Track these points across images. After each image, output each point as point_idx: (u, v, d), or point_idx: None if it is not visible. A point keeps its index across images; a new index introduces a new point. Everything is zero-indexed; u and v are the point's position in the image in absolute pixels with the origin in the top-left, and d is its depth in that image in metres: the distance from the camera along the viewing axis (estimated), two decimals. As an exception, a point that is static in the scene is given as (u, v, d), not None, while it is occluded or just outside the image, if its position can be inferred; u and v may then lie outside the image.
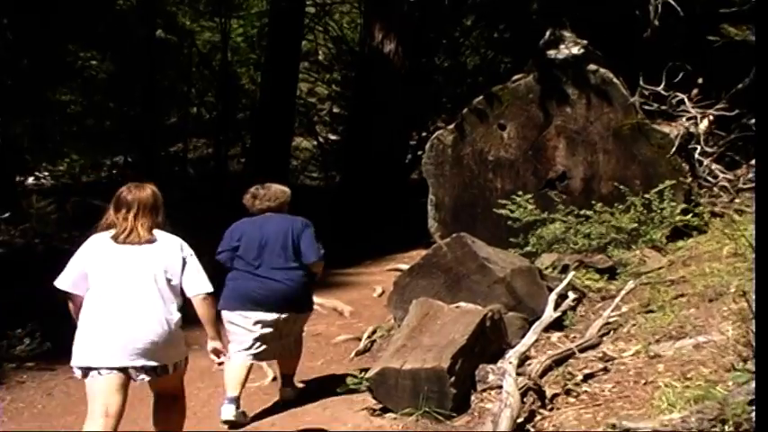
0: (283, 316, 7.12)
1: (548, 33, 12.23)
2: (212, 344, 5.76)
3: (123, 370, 5.31)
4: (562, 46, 11.95)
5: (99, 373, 5.30)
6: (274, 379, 7.98)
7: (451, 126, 12.60)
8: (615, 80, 11.63)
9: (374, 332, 9.14)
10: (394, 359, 6.39)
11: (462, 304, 7.53)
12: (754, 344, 4.95)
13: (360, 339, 9.10)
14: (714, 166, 11.91)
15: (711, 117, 12.01)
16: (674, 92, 11.69)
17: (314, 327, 10.32)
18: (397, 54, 17.27)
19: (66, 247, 11.93)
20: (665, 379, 5.52)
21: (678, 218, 10.47)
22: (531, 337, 6.89)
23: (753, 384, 4.19)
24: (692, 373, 5.54)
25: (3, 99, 14.63)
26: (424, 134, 19.64)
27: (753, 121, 11.01)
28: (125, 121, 21.09)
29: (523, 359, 6.55)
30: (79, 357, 5.35)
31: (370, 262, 13.62)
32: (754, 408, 4.03)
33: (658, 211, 10.52)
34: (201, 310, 5.62)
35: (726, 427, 4.10)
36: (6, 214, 12.43)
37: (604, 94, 11.62)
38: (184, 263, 5.59)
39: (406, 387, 6.18)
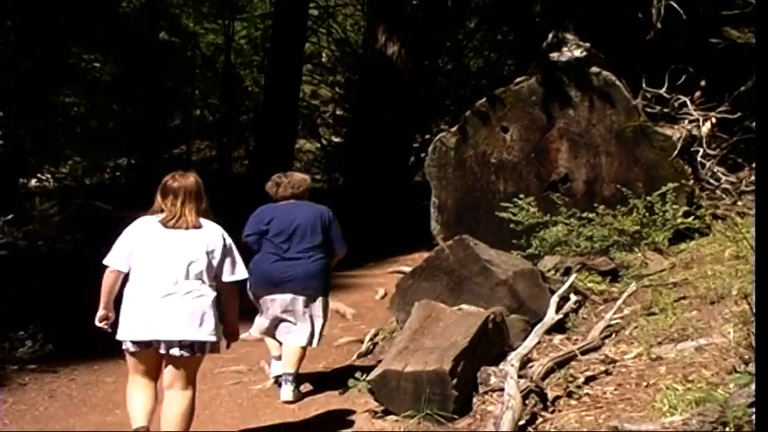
0: (303, 298, 7.59)
1: (550, 36, 12.25)
2: (229, 328, 6.21)
3: (167, 344, 5.76)
4: (565, 48, 11.96)
5: (142, 345, 5.78)
6: (276, 382, 7.98)
7: (454, 128, 12.62)
8: (618, 83, 11.63)
9: (376, 334, 9.15)
10: (396, 361, 6.39)
11: (464, 306, 7.54)
12: (754, 346, 4.96)
13: (362, 341, 9.11)
14: (717, 169, 11.92)
15: (714, 120, 12.01)
16: (676, 94, 11.69)
17: (316, 329, 10.35)
18: (400, 56, 17.29)
19: (69, 248, 12.00)
20: (667, 381, 5.52)
21: (680, 220, 10.47)
22: (532, 339, 6.90)
23: (753, 386, 4.19)
24: (693, 375, 5.54)
25: (6, 101, 14.65)
26: (427, 136, 19.67)
27: (755, 123, 11.02)
28: (128, 123, 21.13)
29: (525, 361, 6.55)
30: (126, 332, 5.79)
31: (372, 264, 13.63)
32: (754, 410, 4.03)
33: (661, 213, 10.52)
34: (229, 295, 6.10)
35: (727, 430, 4.11)
36: (9, 216, 12.40)
37: (607, 96, 11.62)
38: (225, 250, 6.00)
39: (408, 389, 6.18)
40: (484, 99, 12.39)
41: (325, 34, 24.48)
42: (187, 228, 5.91)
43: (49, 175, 19.07)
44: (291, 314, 7.63)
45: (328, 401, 7.26)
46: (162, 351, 5.78)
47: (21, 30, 14.92)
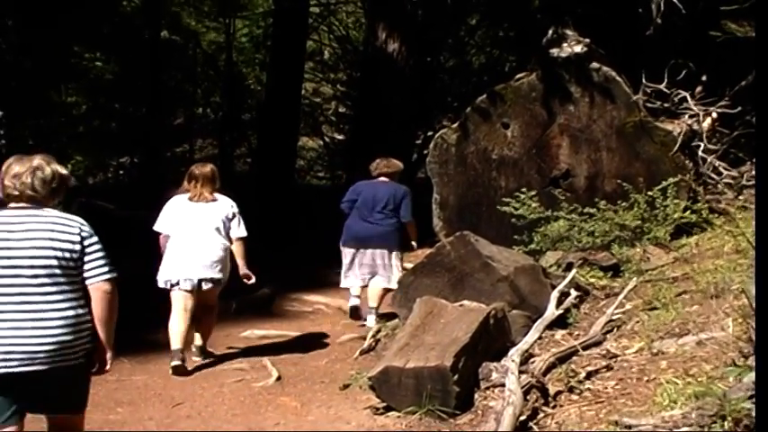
0: (381, 251, 10.01)
1: (550, 32, 12.24)
2: (243, 271, 8.71)
3: (199, 281, 8.37)
4: (565, 44, 11.95)
5: (180, 284, 8.36)
6: (278, 379, 8.01)
7: (455, 125, 12.62)
8: (618, 78, 11.63)
9: (378, 331, 9.16)
10: (397, 358, 6.40)
11: (466, 302, 7.54)
12: (754, 340, 4.97)
13: (364, 338, 9.11)
14: (718, 164, 11.91)
15: (715, 114, 12.00)
16: (676, 89, 11.68)
17: (318, 326, 10.38)
18: (401, 53, 17.29)
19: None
20: (668, 376, 5.53)
21: (681, 215, 10.47)
22: (533, 334, 6.90)
23: (752, 378, 4.20)
24: (694, 369, 5.55)
25: (8, 100, 14.66)
26: (429, 133, 19.65)
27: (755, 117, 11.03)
28: (130, 121, 21.13)
29: (527, 357, 6.56)
30: (166, 276, 8.42)
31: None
32: (752, 403, 4.04)
33: (662, 208, 10.53)
34: (238, 248, 8.66)
35: (725, 423, 4.12)
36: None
37: (607, 92, 11.62)
38: (233, 215, 8.64)
39: (410, 385, 6.19)
40: (484, 95, 12.40)
41: (327, 32, 24.49)
42: (206, 201, 8.57)
43: (50, 174, 19.10)
44: (374, 264, 10.08)
45: (330, 398, 7.27)
46: (195, 286, 8.37)
47: (22, 29, 14.93)
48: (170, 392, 7.79)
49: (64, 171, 4.87)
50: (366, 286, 10.24)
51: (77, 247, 4.56)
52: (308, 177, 25.12)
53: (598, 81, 11.66)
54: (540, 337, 7.10)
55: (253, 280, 8.77)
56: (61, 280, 4.53)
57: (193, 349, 8.75)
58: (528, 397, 5.68)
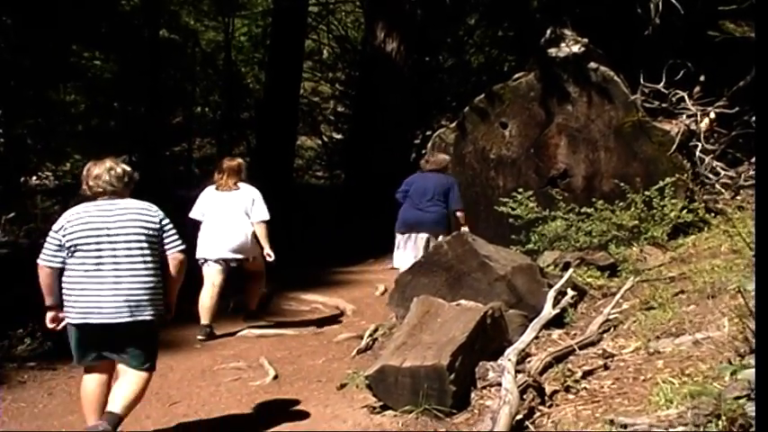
0: (428, 235, 10.47)
1: (549, 32, 12.26)
2: (267, 251, 9.86)
3: (225, 260, 9.81)
4: (563, 44, 11.97)
5: (210, 262, 9.81)
6: (275, 378, 8.01)
7: (453, 124, 12.66)
8: (616, 78, 11.66)
9: (376, 330, 9.14)
10: (394, 357, 6.40)
11: (463, 302, 7.54)
12: (753, 339, 4.98)
13: (361, 337, 9.10)
14: (715, 164, 11.93)
15: (712, 114, 12.02)
16: (674, 89, 11.70)
17: (315, 325, 10.37)
18: (399, 53, 17.31)
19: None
20: (664, 375, 5.52)
21: (678, 215, 10.48)
22: (529, 334, 6.89)
23: (747, 377, 4.20)
24: (690, 369, 5.55)
25: (6, 99, 14.66)
26: (428, 133, 19.64)
27: (753, 118, 11.03)
28: (129, 120, 21.10)
29: (524, 356, 6.56)
30: (199, 254, 9.70)
31: (372, 260, 13.67)
32: (748, 403, 4.05)
33: (659, 208, 10.54)
34: (260, 230, 9.89)
35: (721, 422, 4.12)
36: (11, 214, 12.44)
37: (605, 92, 11.65)
38: (254, 201, 9.91)
39: (406, 384, 6.19)
40: (482, 95, 12.43)
41: (326, 31, 24.50)
42: (230, 190, 9.95)
43: (50, 174, 19.08)
44: (423, 247, 10.42)
45: (327, 397, 7.27)
46: (222, 264, 9.80)
47: (21, 28, 14.93)
48: (167, 391, 7.80)
49: (129, 168, 6.33)
50: None
51: (157, 226, 6.09)
52: (307, 176, 25.11)
53: (596, 81, 11.68)
54: (536, 337, 7.11)
55: (272, 258, 9.89)
56: (146, 252, 6.01)
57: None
58: (524, 396, 5.68)
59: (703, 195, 11.54)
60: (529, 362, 6.39)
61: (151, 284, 6.00)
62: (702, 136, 11.79)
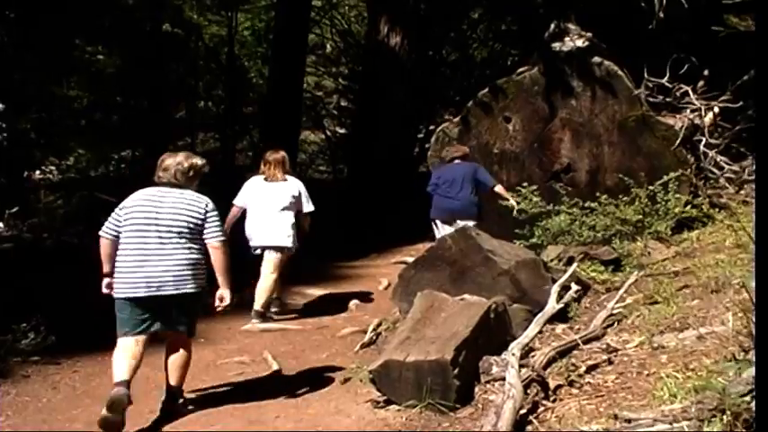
0: (461, 222, 10.52)
1: (552, 26, 12.25)
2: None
3: (270, 248, 10.26)
4: (567, 38, 11.98)
5: (258, 250, 10.33)
6: (278, 371, 8.02)
7: (457, 119, 12.65)
8: (620, 72, 11.65)
9: (379, 325, 9.14)
10: (398, 351, 6.40)
11: (467, 296, 7.54)
12: (754, 334, 4.97)
13: (365, 332, 9.10)
14: (719, 158, 11.90)
15: (716, 109, 11.99)
16: (678, 84, 11.67)
17: (319, 319, 10.37)
18: (402, 47, 17.29)
19: (74, 241, 12.01)
20: (668, 370, 5.52)
21: (682, 209, 10.47)
22: (533, 328, 6.90)
23: (752, 373, 4.20)
24: (694, 363, 5.55)
25: (10, 94, 14.65)
26: (431, 127, 19.65)
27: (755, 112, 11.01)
28: (132, 115, 21.05)
29: (528, 351, 6.56)
30: (251, 244, 10.29)
31: (376, 255, 13.66)
32: (751, 398, 4.05)
33: (663, 202, 10.54)
34: (304, 220, 10.51)
35: (725, 417, 4.12)
36: (15, 209, 12.45)
37: (609, 86, 11.65)
38: (299, 193, 10.45)
39: (410, 379, 6.20)
40: (486, 89, 12.43)
41: (329, 25, 24.43)
42: (276, 181, 10.40)
43: (53, 168, 19.05)
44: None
45: (331, 391, 7.28)
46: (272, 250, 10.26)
47: (24, 22, 14.91)
48: (172, 386, 7.79)
49: (199, 162, 7.16)
50: None
51: (202, 216, 6.86)
52: (310, 171, 25.08)
53: (600, 75, 11.68)
54: (540, 331, 7.11)
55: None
56: (188, 236, 6.80)
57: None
58: (528, 391, 5.68)
59: (707, 190, 11.54)
60: (533, 356, 6.40)
61: (192, 262, 6.79)
62: (706, 130, 11.79)
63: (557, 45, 12.03)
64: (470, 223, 10.35)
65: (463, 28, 21.97)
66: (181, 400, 7.06)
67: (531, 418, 5.40)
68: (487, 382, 6.32)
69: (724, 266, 7.98)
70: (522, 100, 12.09)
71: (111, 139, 20.22)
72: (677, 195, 10.61)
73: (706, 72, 12.39)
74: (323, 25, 24.43)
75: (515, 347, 6.25)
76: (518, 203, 11.23)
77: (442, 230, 10.93)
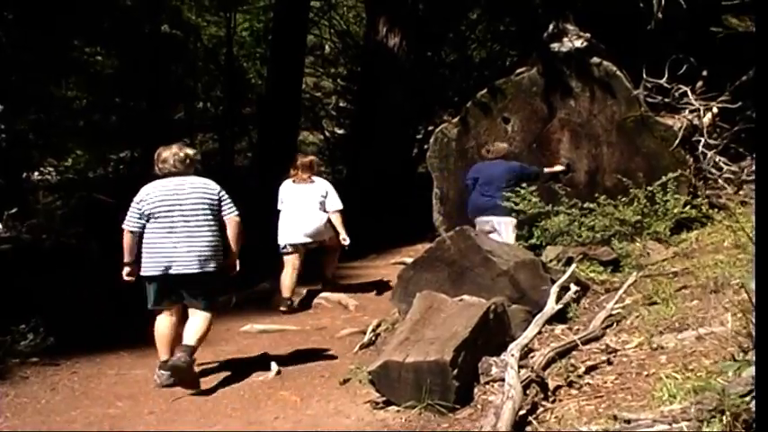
0: (496, 218, 10.92)
1: (551, 26, 12.25)
2: (342, 235, 11.22)
3: (303, 245, 11.12)
4: (565, 39, 11.97)
5: (289, 247, 11.12)
6: (278, 373, 8.02)
7: (455, 119, 12.66)
8: (618, 73, 11.65)
9: (378, 325, 9.14)
10: (397, 352, 6.40)
11: (466, 297, 7.52)
12: (754, 335, 4.97)
13: (364, 333, 9.10)
14: (718, 158, 11.91)
15: (715, 109, 11.99)
16: (677, 84, 11.66)
17: (318, 320, 10.38)
18: (401, 48, 17.29)
19: (73, 242, 12.00)
20: (667, 370, 5.52)
21: (681, 210, 10.47)
22: (532, 329, 6.89)
23: (751, 373, 4.20)
24: (693, 364, 5.55)
25: (8, 94, 14.63)
26: (430, 128, 19.62)
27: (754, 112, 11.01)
28: (131, 116, 21.03)
29: (527, 352, 6.56)
30: (280, 241, 11.15)
31: (375, 255, 13.66)
32: (751, 398, 4.05)
33: (662, 203, 10.53)
34: (335, 218, 11.25)
35: (724, 418, 4.12)
36: (13, 210, 12.42)
37: (608, 86, 11.65)
38: (327, 193, 11.31)
39: (409, 380, 6.19)
40: (485, 90, 12.43)
41: (327, 26, 24.44)
42: (305, 183, 11.29)
43: (52, 169, 19.02)
44: (492, 230, 10.81)
45: (330, 392, 7.28)
46: (300, 249, 11.09)
47: (22, 23, 14.89)
48: (170, 387, 7.79)
49: (191, 152, 8.05)
50: None
51: (217, 197, 7.77)
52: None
53: (599, 76, 11.68)
54: (539, 332, 7.10)
55: (347, 242, 11.31)
56: (208, 217, 7.70)
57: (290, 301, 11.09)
58: (527, 391, 5.67)
59: (706, 190, 11.54)
60: (532, 357, 6.39)
61: (214, 243, 7.71)
62: (705, 131, 11.78)
63: (555, 45, 12.03)
64: (507, 220, 10.91)
65: (462, 29, 21.98)
66: (194, 357, 7.67)
67: (530, 418, 5.39)
68: (487, 382, 6.31)
69: (723, 267, 7.98)
70: (521, 100, 12.09)
71: (109, 140, 20.19)
72: (676, 196, 10.60)
73: (705, 72, 12.41)
74: (321, 26, 24.44)
75: (514, 348, 6.24)
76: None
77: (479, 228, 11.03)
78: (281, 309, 10.96)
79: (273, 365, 8.21)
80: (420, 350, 6.31)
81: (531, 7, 16.30)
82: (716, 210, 10.76)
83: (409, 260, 10.50)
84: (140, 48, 19.84)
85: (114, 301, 10.26)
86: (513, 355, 6.01)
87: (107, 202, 14.14)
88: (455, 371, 6.07)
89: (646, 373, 5.79)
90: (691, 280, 8.05)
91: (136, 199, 7.67)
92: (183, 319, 7.86)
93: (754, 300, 5.10)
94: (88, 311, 10.32)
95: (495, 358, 6.47)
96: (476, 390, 6.27)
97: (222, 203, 7.81)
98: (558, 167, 11.86)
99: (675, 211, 10.47)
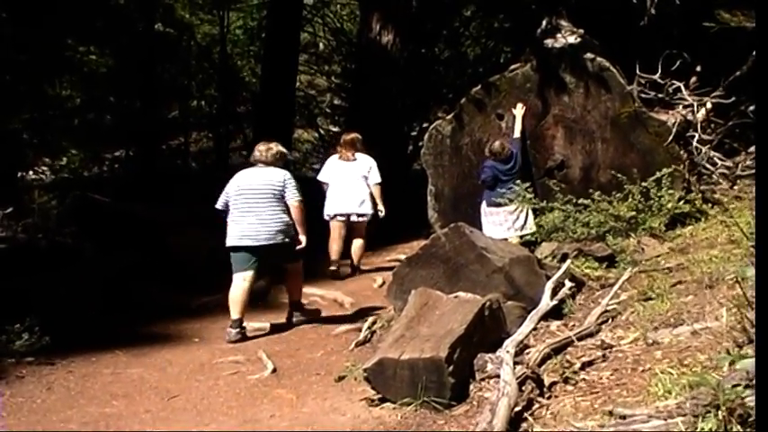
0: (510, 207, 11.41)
1: (545, 22, 12.26)
2: (380, 207, 12.65)
3: (347, 215, 12.51)
4: (559, 35, 11.98)
5: (335, 218, 12.55)
6: (274, 371, 8.02)
7: (450, 116, 12.66)
8: (612, 69, 11.65)
9: (374, 323, 9.14)
10: (392, 349, 6.40)
11: (461, 294, 7.53)
12: (751, 330, 4.99)
13: (360, 330, 9.10)
14: (712, 154, 11.91)
15: (709, 105, 11.99)
16: (671, 80, 11.66)
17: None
18: (395, 45, 17.25)
19: (68, 241, 11.99)
20: (663, 366, 5.51)
21: (676, 205, 10.48)
22: (527, 325, 6.89)
23: (745, 367, 4.20)
24: (688, 359, 5.54)
25: (2, 94, 14.61)
26: (425, 125, 19.60)
27: (751, 108, 11.04)
28: (125, 114, 21.01)
29: (522, 348, 6.55)
30: (327, 211, 12.46)
31: (370, 253, 13.63)
32: (747, 393, 4.04)
33: (656, 199, 10.53)
34: (375, 191, 12.57)
35: (719, 413, 4.11)
36: (9, 209, 12.39)
37: (602, 82, 11.65)
38: (369, 169, 12.56)
39: (405, 377, 6.19)
40: (479, 86, 12.44)
41: (321, 24, 24.39)
42: (348, 160, 12.64)
43: (46, 168, 19.00)
44: (510, 218, 11.49)
45: (326, 390, 7.28)
46: (345, 219, 12.54)
47: (16, 22, 14.86)
48: (165, 385, 7.81)
49: (283, 150, 10.13)
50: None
51: (282, 184, 9.60)
52: (304, 169, 25.04)
53: (592, 71, 11.69)
54: (534, 328, 7.10)
55: (383, 213, 12.68)
56: (274, 200, 9.56)
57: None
58: (523, 388, 5.67)
59: (701, 186, 11.54)
60: (527, 353, 6.38)
61: (280, 220, 9.55)
62: (699, 126, 11.77)
63: (549, 42, 12.03)
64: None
65: (456, 25, 21.92)
66: (298, 313, 10.09)
67: (526, 415, 5.39)
68: (482, 379, 6.30)
69: (718, 262, 7.97)
70: (515, 97, 12.09)
71: (103, 138, 20.19)
72: (670, 191, 10.60)
73: (698, 68, 12.41)
74: (315, 24, 24.39)
75: (510, 345, 6.25)
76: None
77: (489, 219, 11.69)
78: (330, 269, 12.51)
79: (269, 363, 8.21)
80: (415, 347, 6.31)
81: (525, 3, 16.28)
82: (710, 205, 10.78)
83: (404, 257, 10.50)
84: (134, 46, 19.83)
85: (109, 300, 10.27)
86: (508, 352, 6.02)
87: (102, 201, 14.13)
88: (450, 368, 6.06)
89: (641, 368, 5.78)
90: (685, 275, 8.05)
91: (229, 183, 9.76)
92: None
93: (750, 294, 5.13)
94: (83, 310, 10.31)
95: (490, 355, 6.46)
96: (471, 386, 6.26)
97: (286, 189, 9.60)
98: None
99: (670, 206, 10.47)
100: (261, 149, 9.88)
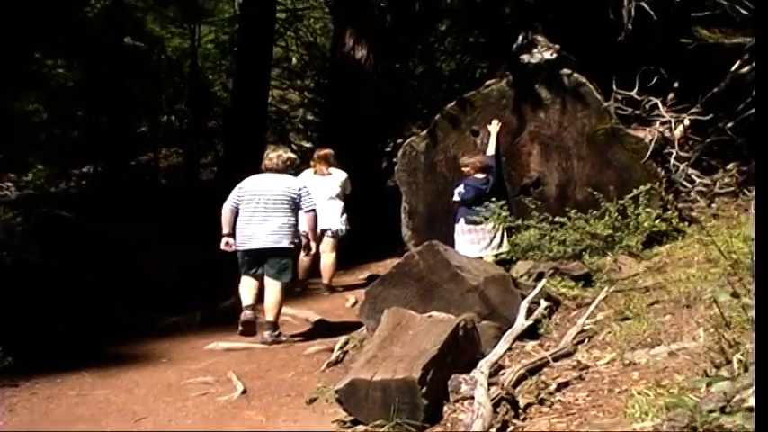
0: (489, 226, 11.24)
1: (521, 38, 12.21)
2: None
3: (322, 231, 12.05)
4: (535, 50, 11.94)
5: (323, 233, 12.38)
6: (243, 392, 7.88)
7: (424, 132, 12.59)
8: (589, 85, 11.61)
9: (346, 343, 9.02)
10: (364, 370, 6.27)
11: (435, 313, 7.43)
12: (729, 350, 4.92)
13: (332, 350, 8.98)
14: (690, 171, 11.87)
15: (687, 122, 11.95)
16: (648, 96, 11.62)
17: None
18: (368, 60, 17.18)
19: (33, 258, 11.83)
20: (639, 387, 5.44)
21: (653, 224, 10.40)
22: (502, 345, 6.78)
23: (722, 389, 4.13)
24: (665, 380, 5.47)
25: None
26: (399, 141, 19.53)
27: (729, 125, 11.06)
28: (93, 129, 20.89)
29: (497, 368, 6.45)
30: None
31: (343, 271, 13.52)
32: (723, 415, 3.97)
33: (633, 217, 10.45)
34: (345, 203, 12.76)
35: (696, 434, 4.04)
36: (-27, 226, 12.25)
37: (578, 98, 11.61)
38: (343, 184, 12.67)
39: (377, 398, 6.06)
40: (454, 102, 12.37)
41: (294, 38, 24.36)
42: (323, 175, 12.59)
43: (11, 184, 18.82)
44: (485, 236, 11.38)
45: (296, 412, 7.17)
46: (323, 234, 12.33)
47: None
48: (132, 407, 7.68)
49: (293, 155, 10.74)
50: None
51: (297, 193, 10.01)
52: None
53: (569, 87, 11.64)
54: (509, 349, 6.99)
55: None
56: (285, 207, 9.90)
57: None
58: (498, 409, 5.55)
59: (678, 204, 11.48)
60: (502, 374, 6.27)
61: (287, 226, 9.88)
62: (677, 143, 11.73)
63: (525, 57, 11.98)
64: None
65: (431, 40, 21.91)
66: (278, 332, 9.95)
67: (500, 437, 5.28)
68: (456, 400, 6.19)
69: (695, 281, 7.91)
70: (490, 113, 12.01)
71: (71, 154, 20.05)
72: (647, 209, 10.52)
73: (675, 84, 12.39)
74: (288, 38, 24.35)
75: (484, 365, 6.13)
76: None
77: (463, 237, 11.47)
78: (296, 289, 12.21)
79: (239, 384, 8.07)
80: (388, 368, 6.18)
81: (501, 19, 16.26)
82: (687, 223, 10.72)
83: (376, 276, 10.41)
84: (103, 60, 19.70)
85: (74, 318, 10.12)
86: (482, 373, 5.91)
87: (67, 217, 13.98)
88: (424, 389, 5.94)
89: (618, 389, 5.70)
90: (663, 294, 7.98)
91: (237, 186, 10.11)
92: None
93: (727, 314, 5.05)
94: (48, 329, 10.15)
95: (464, 375, 6.34)
96: (445, 408, 6.14)
97: (302, 199, 10.02)
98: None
99: (647, 224, 10.39)
100: (272, 157, 10.23)
